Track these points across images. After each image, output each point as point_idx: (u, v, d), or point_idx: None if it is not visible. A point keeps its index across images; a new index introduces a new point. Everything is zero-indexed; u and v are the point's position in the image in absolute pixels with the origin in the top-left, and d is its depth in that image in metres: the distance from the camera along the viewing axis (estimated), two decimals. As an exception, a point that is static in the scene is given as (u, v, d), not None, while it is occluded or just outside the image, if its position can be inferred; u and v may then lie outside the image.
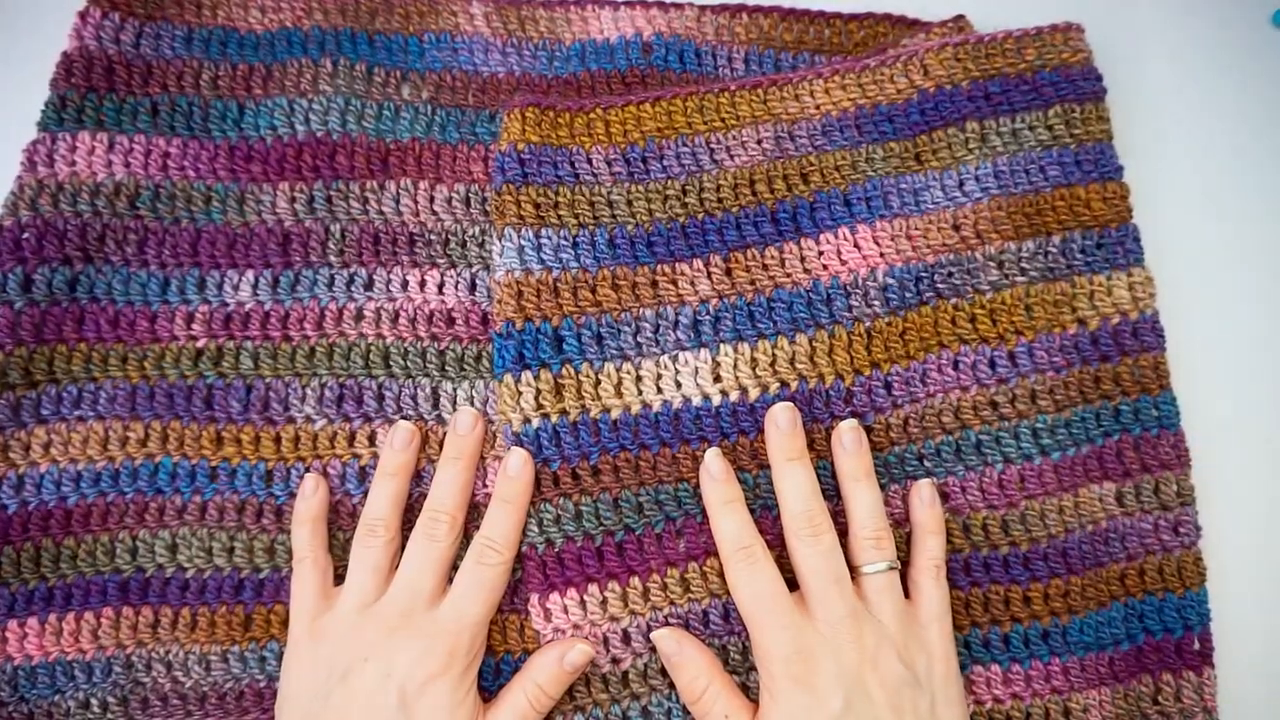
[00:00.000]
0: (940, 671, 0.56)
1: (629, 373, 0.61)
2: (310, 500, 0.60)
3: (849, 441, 0.59)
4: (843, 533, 0.59)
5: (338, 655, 0.56)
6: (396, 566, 0.59)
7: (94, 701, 0.59)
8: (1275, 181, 0.70)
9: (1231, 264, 0.69)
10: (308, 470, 0.62)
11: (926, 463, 0.61)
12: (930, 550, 0.59)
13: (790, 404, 0.59)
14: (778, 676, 0.55)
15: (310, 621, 0.58)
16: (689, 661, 0.57)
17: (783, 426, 0.59)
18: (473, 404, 0.63)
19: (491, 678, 0.60)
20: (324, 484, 0.61)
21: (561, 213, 0.62)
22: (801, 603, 0.57)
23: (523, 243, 0.61)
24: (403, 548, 0.59)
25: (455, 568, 0.59)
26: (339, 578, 0.60)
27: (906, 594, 0.59)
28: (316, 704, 0.55)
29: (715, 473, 0.59)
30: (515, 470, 0.59)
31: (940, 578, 0.58)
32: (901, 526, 0.60)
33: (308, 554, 0.59)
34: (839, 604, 0.55)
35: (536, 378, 0.60)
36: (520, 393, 0.60)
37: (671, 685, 0.59)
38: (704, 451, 0.60)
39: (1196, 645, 0.61)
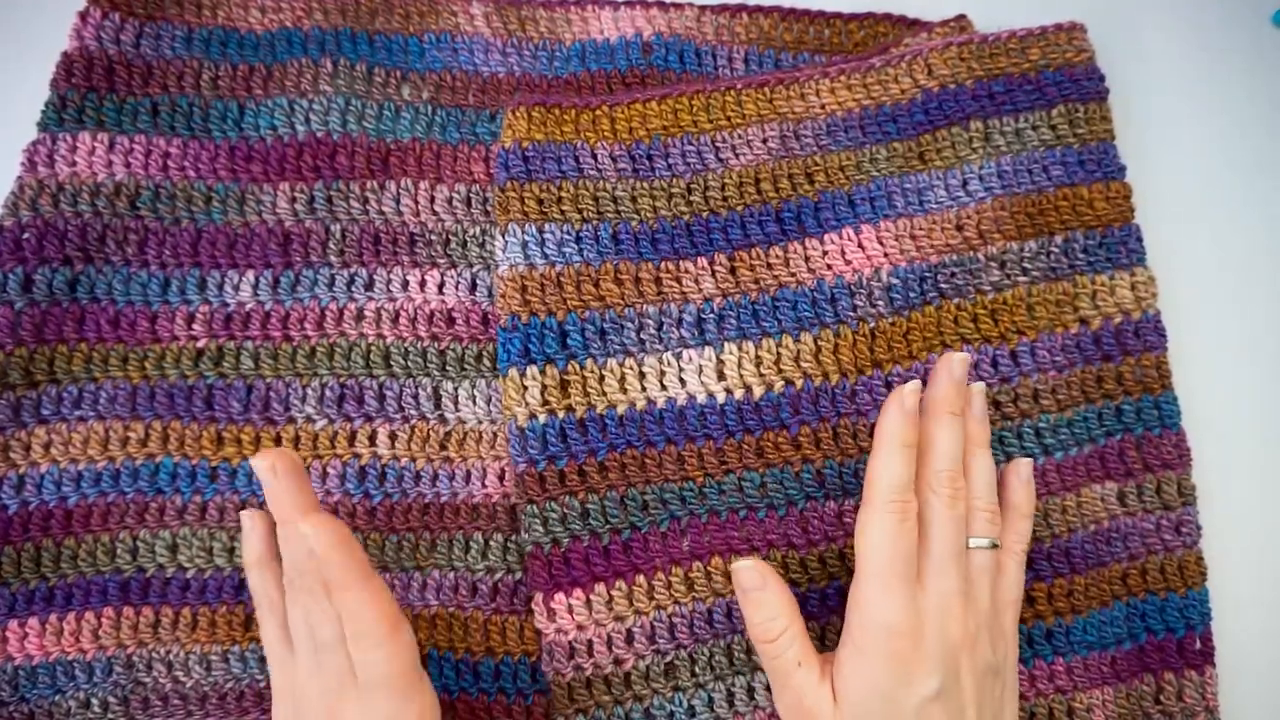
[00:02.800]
0: (1011, 659, 0.55)
1: (632, 369, 0.61)
2: (251, 539, 0.56)
3: (978, 409, 0.57)
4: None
5: (300, 710, 0.53)
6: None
7: (94, 701, 0.59)
8: (1277, 182, 0.70)
9: (1233, 264, 0.69)
10: (308, 470, 0.61)
11: None
12: (1021, 533, 0.57)
13: (967, 357, 0.57)
14: (875, 644, 0.52)
15: (280, 674, 0.54)
16: (771, 600, 0.55)
17: (956, 375, 0.56)
18: (475, 403, 0.63)
19: (491, 679, 0.60)
20: (262, 519, 0.56)
21: (565, 207, 0.62)
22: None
23: (526, 238, 0.61)
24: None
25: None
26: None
27: None
28: None
29: (908, 406, 0.55)
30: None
31: (1023, 562, 0.56)
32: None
33: (264, 599, 0.55)
34: (956, 578, 0.53)
35: (542, 373, 0.60)
36: (526, 387, 0.60)
37: (675, 687, 0.59)
38: (709, 449, 0.60)
39: (1198, 644, 0.61)
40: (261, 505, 0.60)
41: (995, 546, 0.55)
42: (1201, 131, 0.71)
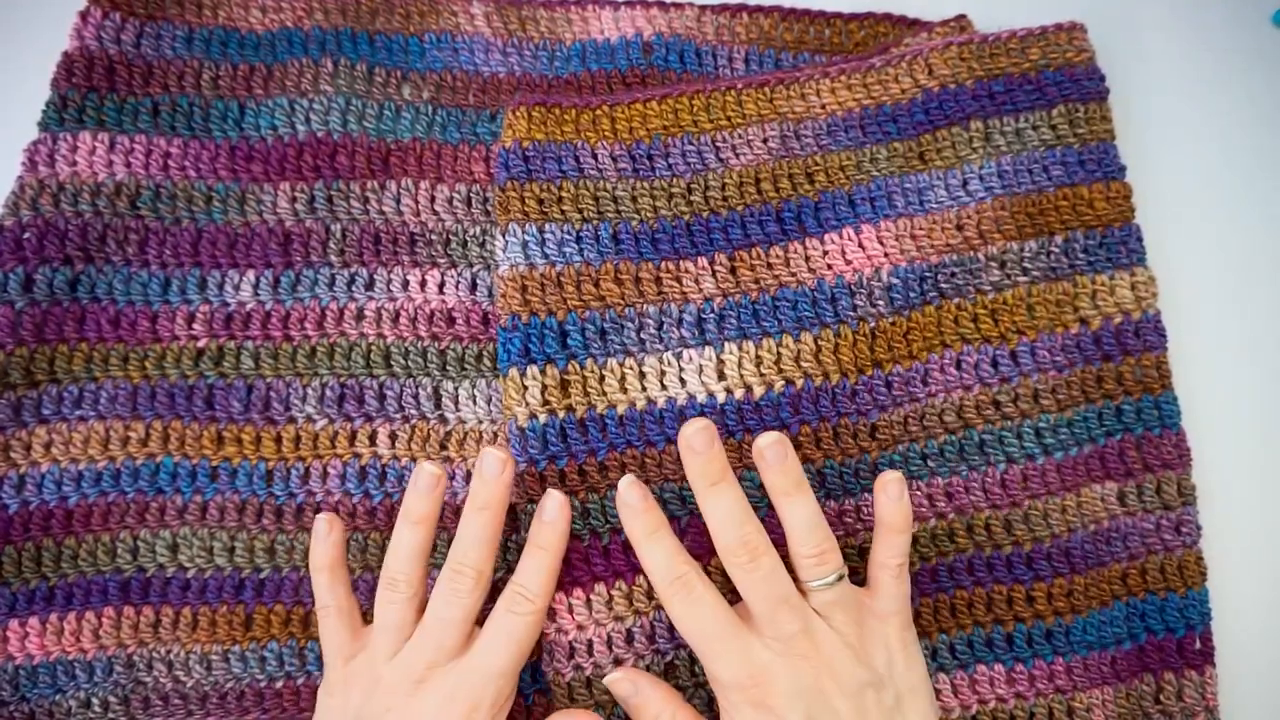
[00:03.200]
0: (900, 664, 0.55)
1: (632, 369, 0.61)
2: (325, 544, 0.57)
3: (772, 457, 0.55)
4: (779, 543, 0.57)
5: (364, 706, 0.54)
6: (420, 616, 0.56)
7: (95, 701, 0.59)
8: (1277, 182, 0.70)
9: (1234, 264, 0.69)
10: (308, 470, 0.62)
11: (930, 462, 0.61)
12: (895, 548, 0.56)
13: (705, 421, 0.56)
14: (736, 703, 0.53)
15: (343, 665, 0.56)
16: (648, 700, 0.56)
17: (699, 449, 0.55)
18: (475, 402, 0.63)
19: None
20: (339, 525, 0.58)
21: (565, 207, 0.62)
22: (749, 620, 0.55)
23: (526, 237, 0.61)
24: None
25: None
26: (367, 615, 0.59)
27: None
28: None
29: (633, 502, 0.56)
30: (552, 516, 0.57)
31: (902, 575, 0.56)
32: (925, 521, 0.61)
33: (330, 600, 0.57)
34: (788, 623, 0.53)
35: (542, 372, 0.60)
36: (526, 386, 0.60)
37: (675, 687, 0.58)
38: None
39: (1198, 644, 0.61)
40: (264, 503, 0.62)
41: (840, 578, 0.55)
42: (1201, 131, 0.71)
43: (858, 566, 0.60)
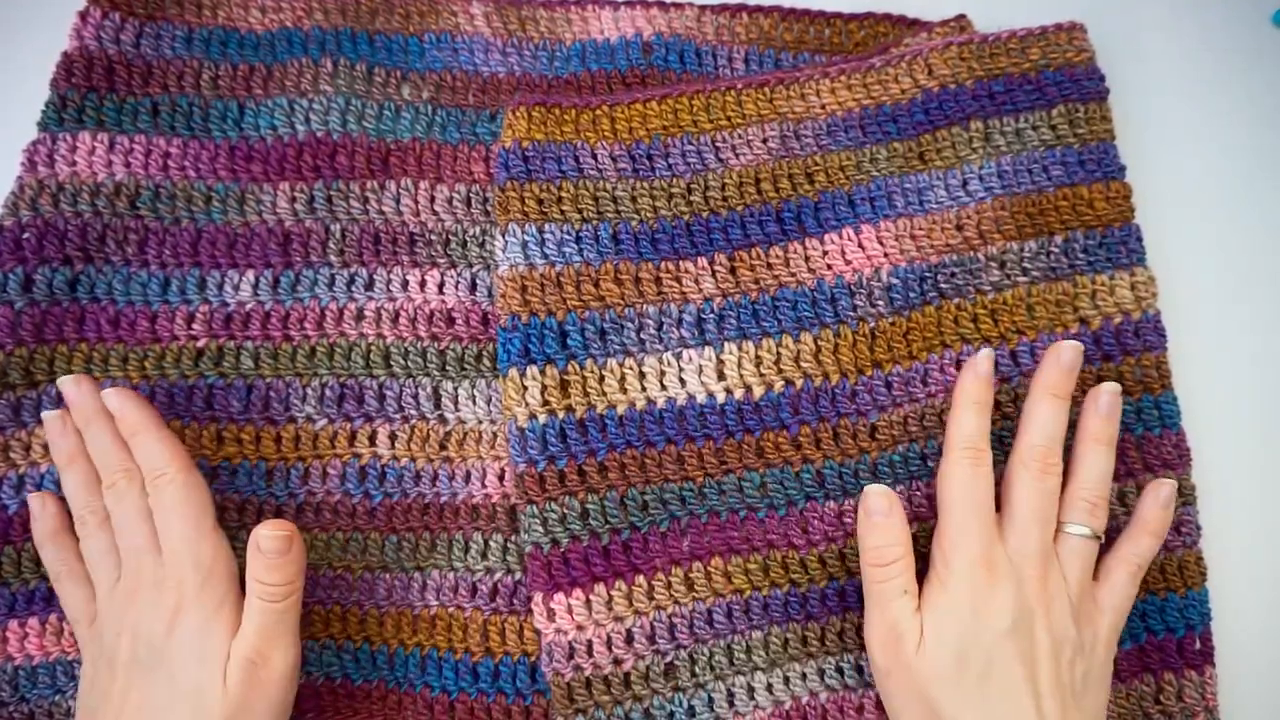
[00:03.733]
0: (1101, 655, 0.56)
1: (632, 369, 0.61)
2: (41, 519, 0.59)
3: (1105, 405, 0.59)
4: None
5: (102, 641, 0.56)
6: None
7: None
8: (1278, 182, 0.70)
9: (1234, 264, 0.69)
10: (308, 470, 0.62)
11: (930, 462, 0.61)
12: (1141, 548, 0.58)
13: (1079, 346, 0.59)
14: (957, 574, 0.54)
15: (87, 627, 0.57)
16: (893, 527, 0.57)
17: (1064, 361, 0.59)
18: (475, 403, 0.63)
19: (490, 680, 0.60)
20: (50, 500, 0.60)
21: (565, 207, 0.62)
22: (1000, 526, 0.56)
23: (526, 238, 0.61)
24: None
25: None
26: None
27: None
28: (91, 695, 0.56)
29: (981, 371, 0.59)
30: (120, 400, 0.59)
31: (1137, 578, 0.57)
32: (925, 521, 0.61)
33: (61, 568, 0.59)
34: (1036, 541, 0.55)
35: (542, 373, 0.60)
36: (526, 387, 0.60)
37: (675, 687, 0.59)
38: (709, 449, 0.60)
39: (1198, 644, 0.61)
40: (264, 503, 0.62)
41: (1097, 539, 0.57)
42: (1201, 131, 0.71)
43: (855, 569, 0.60)
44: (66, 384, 0.59)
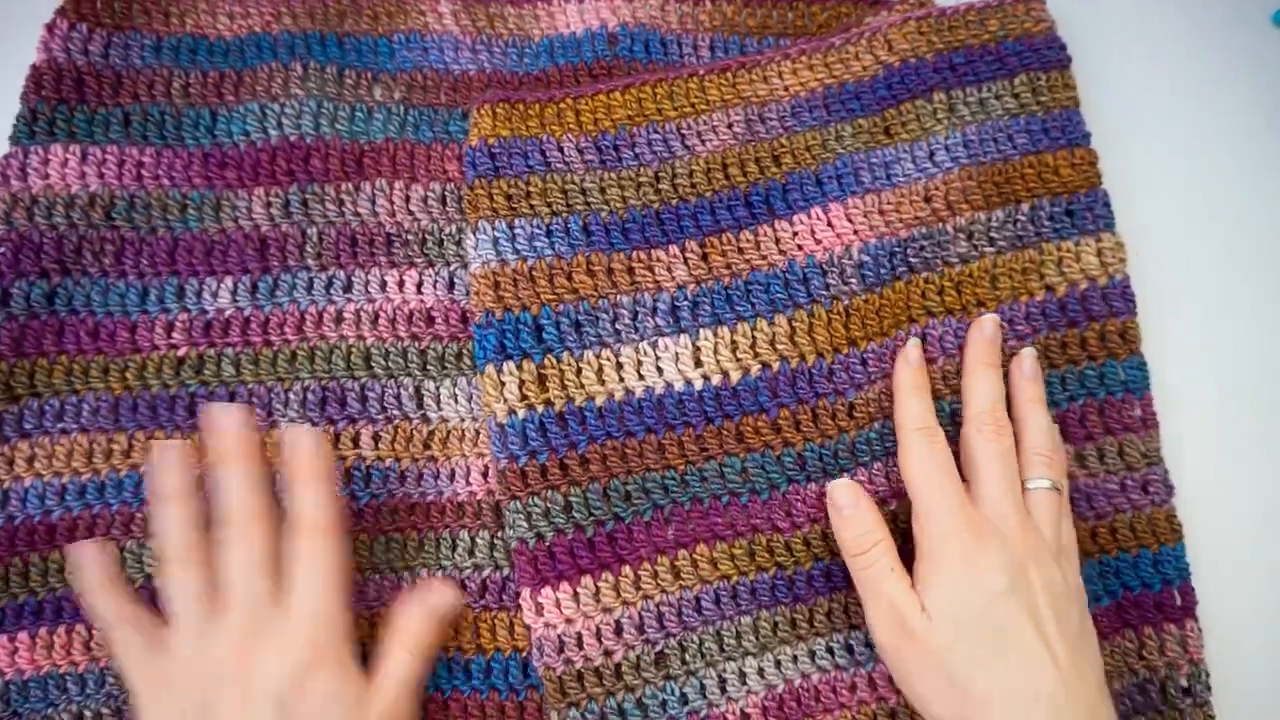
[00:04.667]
0: (1084, 596, 0.57)
1: (609, 360, 0.61)
2: (92, 569, 0.57)
3: (1029, 368, 0.61)
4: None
5: (191, 693, 0.53)
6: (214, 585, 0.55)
7: (87, 713, 0.59)
8: (1274, 181, 0.71)
9: (1210, 236, 0.70)
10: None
11: None
12: (1037, 467, 0.59)
13: (996, 318, 0.62)
14: (943, 545, 0.55)
15: (146, 676, 0.54)
16: (862, 516, 0.58)
17: (987, 333, 0.61)
18: (457, 401, 0.63)
19: (482, 676, 0.60)
20: (93, 547, 0.57)
21: (534, 202, 0.62)
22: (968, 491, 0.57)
23: (497, 234, 0.62)
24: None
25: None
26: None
27: None
28: None
29: (912, 360, 0.61)
30: (302, 444, 0.57)
31: (1059, 498, 0.59)
32: (887, 503, 0.61)
33: (117, 619, 0.56)
34: (1008, 500, 0.56)
35: (519, 368, 0.60)
36: (503, 382, 0.60)
37: (667, 676, 0.59)
38: (689, 437, 0.60)
39: (1177, 599, 0.61)
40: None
41: (1057, 489, 0.58)
42: (1202, 132, 0.71)
43: (838, 550, 0.60)
44: (221, 412, 0.57)
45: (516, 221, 0.62)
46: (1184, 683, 0.61)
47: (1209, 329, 0.68)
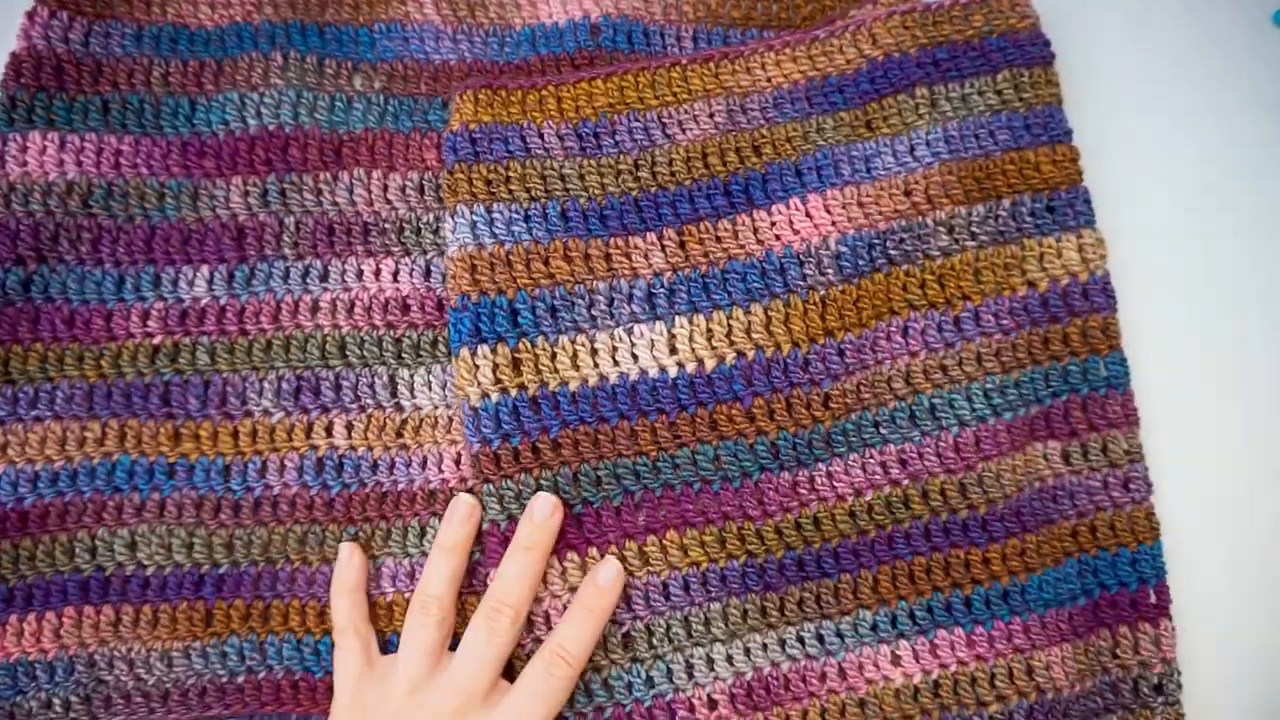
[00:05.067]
0: None
1: (584, 345, 0.61)
2: (347, 569, 0.59)
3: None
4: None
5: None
6: (448, 645, 0.58)
7: (56, 701, 0.59)
8: (1278, 182, 0.70)
9: (1192, 230, 0.69)
10: (265, 464, 0.62)
11: (882, 429, 0.61)
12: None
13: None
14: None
15: (355, 693, 0.57)
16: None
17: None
18: (431, 389, 0.62)
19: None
20: (359, 553, 0.60)
21: (513, 187, 0.62)
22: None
23: (475, 218, 0.61)
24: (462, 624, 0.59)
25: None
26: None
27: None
28: None
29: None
30: (607, 581, 0.57)
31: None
32: (863, 494, 0.60)
33: (348, 624, 0.58)
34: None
35: (494, 351, 0.60)
36: (477, 366, 0.59)
37: (633, 659, 0.59)
38: (662, 423, 0.60)
39: (1152, 598, 0.61)
40: (222, 499, 0.62)
41: None
42: (1203, 132, 0.71)
43: (811, 538, 0.60)
44: (544, 502, 0.58)
45: (495, 206, 0.62)
46: (1156, 681, 0.61)
47: (1189, 326, 0.68)
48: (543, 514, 0.58)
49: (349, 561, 0.59)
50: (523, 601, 0.56)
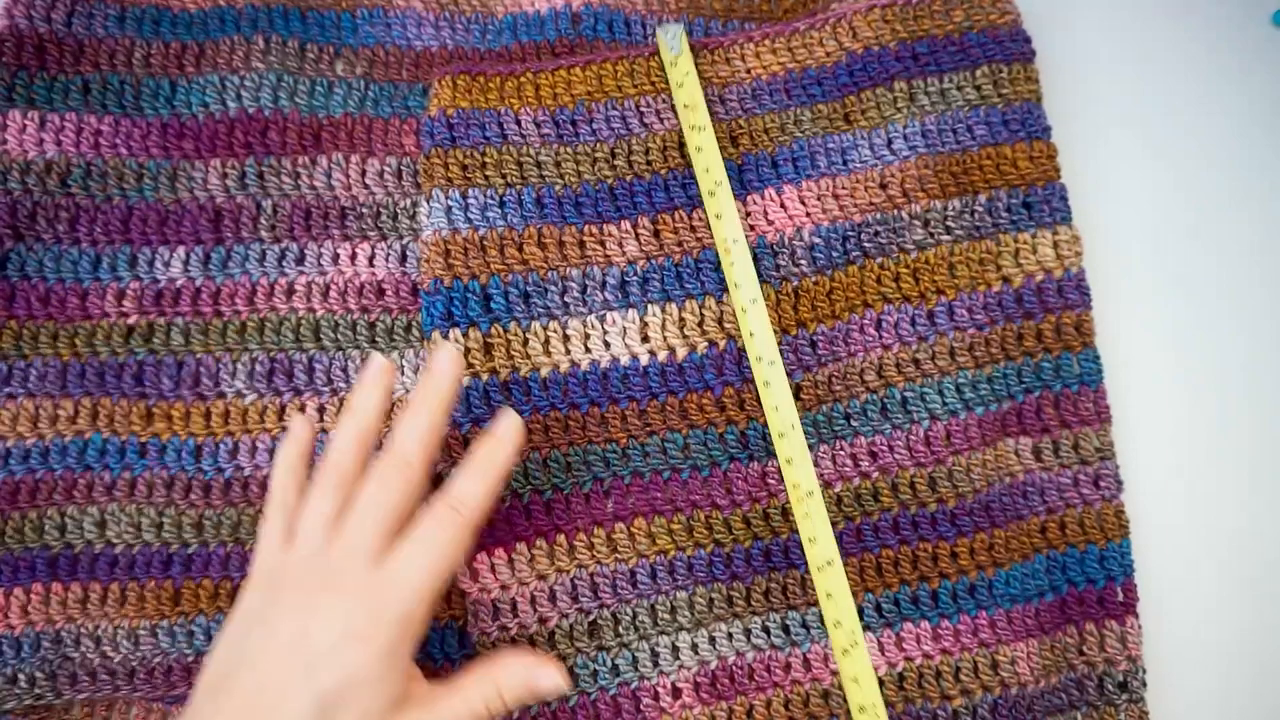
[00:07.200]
0: None
1: (556, 331, 0.61)
2: (293, 441, 0.56)
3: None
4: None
5: (269, 598, 0.51)
6: None
7: (21, 677, 0.59)
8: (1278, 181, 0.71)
9: (1169, 230, 0.69)
10: (236, 446, 0.61)
11: (853, 422, 0.61)
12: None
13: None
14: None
15: (260, 564, 0.53)
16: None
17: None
18: (404, 372, 0.63)
19: (419, 646, 0.59)
20: (309, 425, 0.57)
21: (489, 173, 0.62)
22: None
23: (450, 203, 0.61)
24: None
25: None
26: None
27: None
28: (235, 643, 0.51)
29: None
30: (505, 433, 0.55)
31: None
32: (832, 486, 0.61)
33: (278, 494, 0.54)
34: None
35: (465, 336, 0.60)
36: None
37: (599, 646, 0.59)
38: (632, 411, 0.60)
39: (1120, 595, 0.61)
40: (193, 479, 0.61)
41: None
42: (1203, 132, 0.71)
43: (779, 529, 0.60)
44: (445, 352, 0.54)
45: (470, 191, 0.62)
46: (1121, 679, 0.61)
47: (1163, 324, 0.68)
48: (442, 365, 0.54)
49: (296, 434, 0.55)
50: (416, 453, 0.52)
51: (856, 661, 0.59)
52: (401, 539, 0.51)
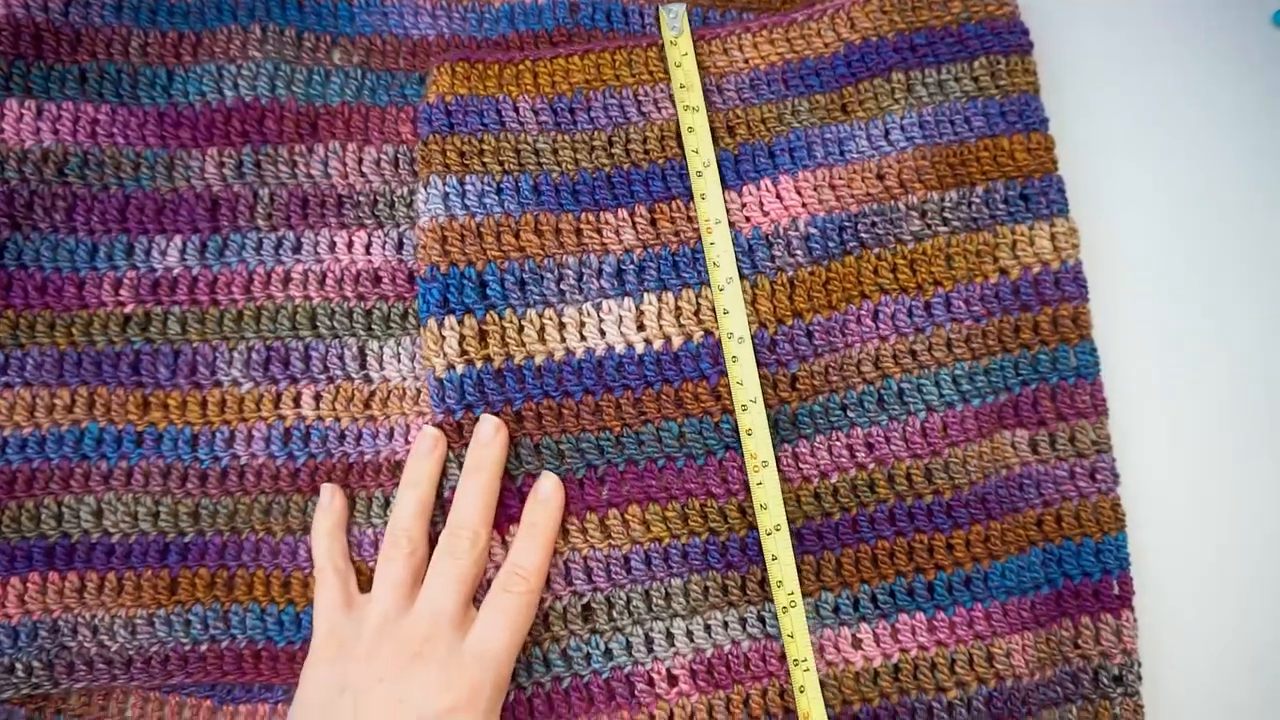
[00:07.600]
0: None
1: (551, 319, 0.61)
2: (327, 511, 0.60)
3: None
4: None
5: (353, 670, 0.54)
6: (420, 579, 0.58)
7: (19, 666, 0.59)
8: (1244, 177, 0.70)
9: (1165, 220, 0.69)
10: (233, 434, 0.61)
11: (850, 412, 0.61)
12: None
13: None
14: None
15: (329, 629, 0.57)
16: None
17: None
18: (400, 360, 0.62)
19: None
20: (340, 495, 0.61)
21: (486, 160, 0.62)
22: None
23: (447, 189, 0.61)
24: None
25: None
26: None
27: None
28: (321, 713, 0.54)
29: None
30: (546, 495, 0.58)
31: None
32: (828, 476, 0.61)
33: (326, 562, 0.59)
34: None
35: (460, 323, 0.60)
36: (444, 337, 0.60)
37: (592, 630, 0.59)
38: (627, 400, 0.60)
39: (1115, 589, 0.61)
40: (189, 467, 0.61)
41: None
42: (1201, 126, 0.71)
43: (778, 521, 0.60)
44: (486, 424, 0.59)
45: (467, 178, 0.62)
46: (1116, 672, 0.61)
47: (1160, 317, 0.68)
48: (486, 435, 0.58)
49: (329, 504, 0.60)
50: (479, 522, 0.57)
51: (794, 620, 0.59)
52: (482, 608, 0.56)
